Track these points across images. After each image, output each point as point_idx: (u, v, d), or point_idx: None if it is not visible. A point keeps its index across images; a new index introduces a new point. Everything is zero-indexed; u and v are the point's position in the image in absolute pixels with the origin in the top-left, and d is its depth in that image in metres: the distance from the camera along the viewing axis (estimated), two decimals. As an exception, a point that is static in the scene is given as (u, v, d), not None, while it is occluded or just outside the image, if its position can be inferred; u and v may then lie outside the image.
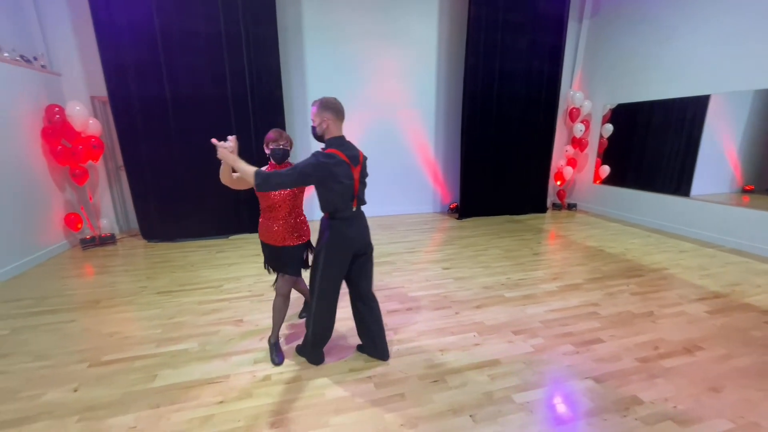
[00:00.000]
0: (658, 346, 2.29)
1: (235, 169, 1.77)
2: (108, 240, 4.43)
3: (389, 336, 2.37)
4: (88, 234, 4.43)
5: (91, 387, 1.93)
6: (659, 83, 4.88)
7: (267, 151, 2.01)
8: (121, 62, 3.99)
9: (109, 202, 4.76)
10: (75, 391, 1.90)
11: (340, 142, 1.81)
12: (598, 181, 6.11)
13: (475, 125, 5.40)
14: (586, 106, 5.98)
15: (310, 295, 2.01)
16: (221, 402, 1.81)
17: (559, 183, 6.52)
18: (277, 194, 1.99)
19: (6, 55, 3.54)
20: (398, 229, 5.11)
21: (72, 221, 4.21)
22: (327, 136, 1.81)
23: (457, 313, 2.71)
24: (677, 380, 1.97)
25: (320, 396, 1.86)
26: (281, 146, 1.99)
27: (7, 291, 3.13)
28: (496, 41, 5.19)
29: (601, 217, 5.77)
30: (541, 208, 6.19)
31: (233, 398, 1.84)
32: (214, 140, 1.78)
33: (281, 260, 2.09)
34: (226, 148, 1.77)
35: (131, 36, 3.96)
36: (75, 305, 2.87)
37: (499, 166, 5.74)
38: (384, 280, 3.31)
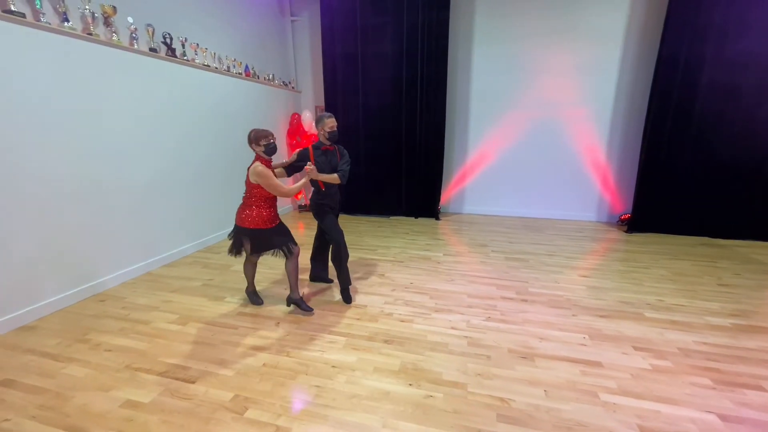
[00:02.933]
0: None
1: (324, 179, 2.70)
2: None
3: (494, 316, 2.67)
4: (302, 202, 6.36)
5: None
6: None
7: (258, 148, 2.44)
8: (335, 81, 5.54)
9: (317, 182, 6.63)
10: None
11: None
12: None
13: (663, 125, 4.55)
14: None
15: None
16: (358, 319, 2.62)
17: (816, 205, 4.62)
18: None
19: (276, 82, 5.55)
20: (546, 233, 4.94)
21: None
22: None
23: (574, 315, 2.68)
24: None
25: (424, 337, 2.40)
26: (272, 142, 2.46)
27: (260, 230, 5.04)
28: (711, 18, 4.18)
29: None
30: (773, 235, 4.59)
31: (366, 318, 2.62)
32: (309, 166, 2.59)
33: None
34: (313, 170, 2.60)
35: (342, 61, 5.43)
36: (291, 245, 4.40)
37: (700, 175, 4.60)
38: (508, 273, 3.49)
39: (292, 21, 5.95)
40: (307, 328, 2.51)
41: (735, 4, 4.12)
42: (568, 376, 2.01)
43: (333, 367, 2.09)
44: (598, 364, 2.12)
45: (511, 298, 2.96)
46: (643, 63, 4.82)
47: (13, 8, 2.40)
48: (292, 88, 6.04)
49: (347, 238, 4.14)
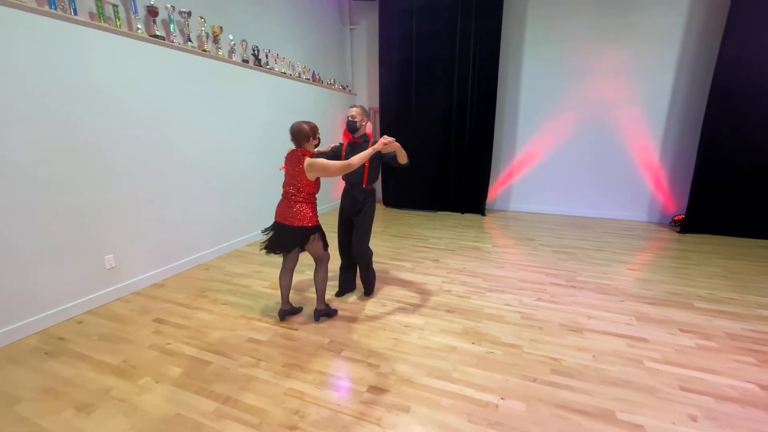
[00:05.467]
0: None
1: (400, 152, 2.61)
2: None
3: (544, 297, 2.95)
4: (355, 196, 6.86)
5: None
6: None
7: (314, 141, 2.47)
8: (390, 84, 5.99)
9: (368, 178, 7.12)
10: (353, 267, 3.57)
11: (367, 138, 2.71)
12: None
13: (721, 128, 4.51)
14: None
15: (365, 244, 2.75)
16: (420, 293, 3.01)
17: None
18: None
19: (336, 85, 6.10)
20: (594, 230, 5.04)
21: (349, 187, 6.73)
22: (362, 132, 2.68)
23: (621, 301, 2.89)
24: None
25: (481, 310, 2.74)
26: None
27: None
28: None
29: None
30: None
31: (427, 293, 3.00)
32: (387, 138, 2.46)
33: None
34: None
35: (397, 67, 5.87)
36: (350, 232, 4.89)
37: (759, 177, 4.51)
38: (556, 264, 3.72)
39: (351, 29, 6.48)
40: (378, 296, 2.94)
41: (805, 1, 4.03)
42: (614, 347, 2.26)
43: (405, 326, 2.50)
44: (643, 340, 2.34)
45: (559, 284, 3.21)
46: (702, 64, 4.78)
47: (157, 33, 3.06)
48: (349, 91, 6.57)
49: (399, 230, 4.41)
